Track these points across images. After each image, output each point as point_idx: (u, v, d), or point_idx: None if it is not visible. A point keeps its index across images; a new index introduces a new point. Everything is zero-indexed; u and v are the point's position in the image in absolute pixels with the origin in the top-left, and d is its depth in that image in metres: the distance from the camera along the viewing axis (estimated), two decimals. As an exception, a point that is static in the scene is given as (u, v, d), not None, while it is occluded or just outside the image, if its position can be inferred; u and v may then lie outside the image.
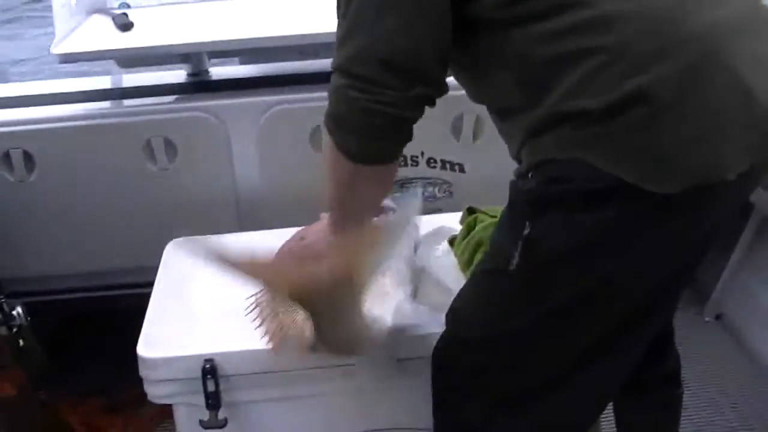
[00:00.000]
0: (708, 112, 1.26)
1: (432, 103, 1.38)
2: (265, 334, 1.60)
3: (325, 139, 1.42)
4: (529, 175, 1.37)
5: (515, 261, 1.38)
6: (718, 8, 1.30)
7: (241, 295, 1.77)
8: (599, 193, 1.29)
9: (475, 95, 1.50)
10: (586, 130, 1.28)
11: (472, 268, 1.77)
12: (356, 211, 1.55)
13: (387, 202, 1.83)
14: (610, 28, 1.26)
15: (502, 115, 1.45)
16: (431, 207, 1.92)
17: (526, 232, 1.36)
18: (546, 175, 1.34)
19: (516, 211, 1.42)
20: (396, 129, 1.37)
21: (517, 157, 1.43)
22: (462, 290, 1.59)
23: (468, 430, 1.56)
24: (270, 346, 1.58)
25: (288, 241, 1.76)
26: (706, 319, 2.93)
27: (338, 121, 1.37)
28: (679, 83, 1.25)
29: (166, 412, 1.80)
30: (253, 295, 1.68)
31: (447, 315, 1.57)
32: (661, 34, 1.26)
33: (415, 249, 1.87)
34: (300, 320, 1.55)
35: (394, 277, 1.67)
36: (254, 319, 1.64)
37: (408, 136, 1.40)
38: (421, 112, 1.37)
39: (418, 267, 1.77)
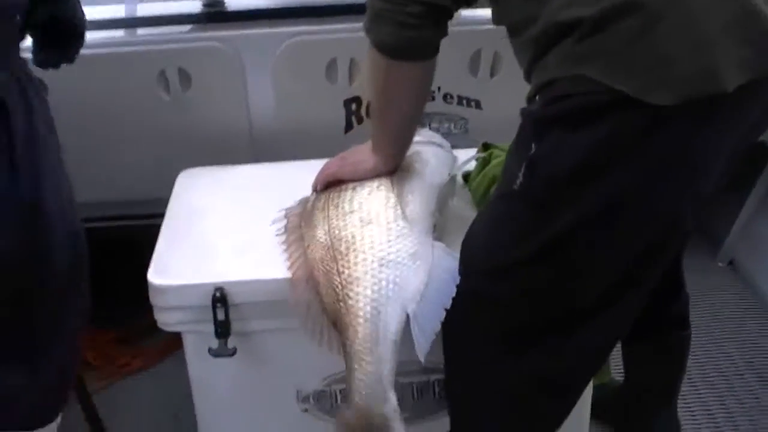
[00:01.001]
0: (701, 19, 1.26)
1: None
2: (288, 257, 1.61)
3: (369, 47, 1.49)
4: (536, 98, 1.38)
5: (519, 180, 1.39)
6: None
7: (253, 225, 1.79)
8: (598, 107, 1.29)
9: (494, 15, 1.51)
10: (583, 43, 1.28)
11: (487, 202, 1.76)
12: (394, 122, 1.61)
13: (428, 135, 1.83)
14: None
15: (512, 32, 1.47)
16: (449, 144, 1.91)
17: (531, 152, 1.37)
18: (549, 95, 1.35)
19: (523, 134, 1.42)
20: (431, 18, 1.44)
21: (527, 79, 1.45)
22: (474, 220, 1.58)
23: (476, 363, 1.56)
24: (289, 272, 1.58)
25: (329, 162, 1.76)
26: (719, 264, 2.93)
27: (374, 16, 1.45)
28: None
29: (175, 343, 1.80)
30: (286, 213, 1.69)
31: (462, 244, 1.56)
32: None
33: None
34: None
35: (418, 208, 1.66)
36: (279, 235, 1.65)
37: (443, 30, 1.47)
38: (454, 7, 1.46)
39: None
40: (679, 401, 2.17)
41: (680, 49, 1.25)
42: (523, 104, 1.45)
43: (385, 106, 1.59)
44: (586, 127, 1.31)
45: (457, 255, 1.57)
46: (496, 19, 1.51)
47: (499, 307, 1.49)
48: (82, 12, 1.72)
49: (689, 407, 2.32)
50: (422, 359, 1.50)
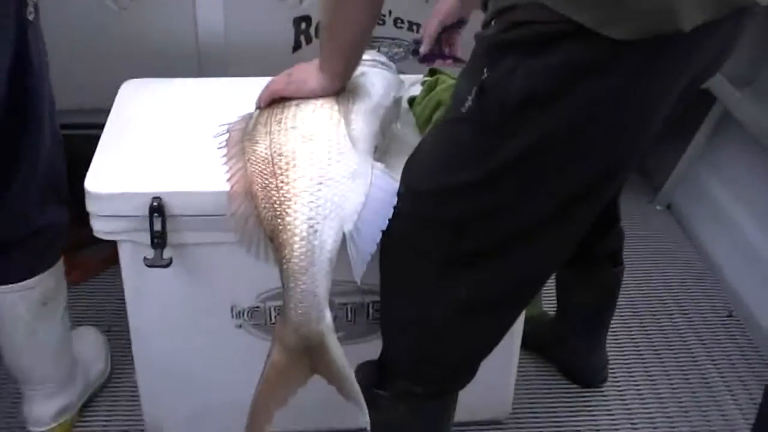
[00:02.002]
0: None
1: None
2: (227, 171, 1.60)
3: None
4: (492, 23, 1.36)
5: (468, 104, 1.38)
6: None
7: (194, 138, 1.77)
8: (554, 36, 1.28)
9: None
10: None
11: (430, 127, 1.76)
12: (344, 39, 1.58)
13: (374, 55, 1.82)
14: None
15: None
16: (396, 67, 1.90)
17: (483, 77, 1.36)
18: (507, 21, 1.33)
19: (476, 59, 1.41)
20: None
21: (483, 6, 1.42)
22: (420, 142, 1.58)
23: (415, 285, 1.57)
24: (228, 185, 1.57)
25: (275, 78, 1.74)
26: (657, 207, 2.98)
27: None
28: None
29: (113, 256, 1.79)
30: (228, 128, 1.67)
31: (404, 165, 1.56)
32: None
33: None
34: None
35: (361, 127, 1.65)
36: (220, 148, 1.64)
37: None
38: None
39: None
40: (609, 337, 2.22)
41: None
42: (473, 32, 1.44)
43: (336, 22, 1.57)
44: (540, 54, 1.30)
45: (397, 177, 1.56)
46: None
47: (441, 227, 1.48)
48: None
49: (619, 343, 2.37)
50: (358, 280, 1.51)
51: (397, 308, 1.62)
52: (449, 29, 1.88)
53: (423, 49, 1.89)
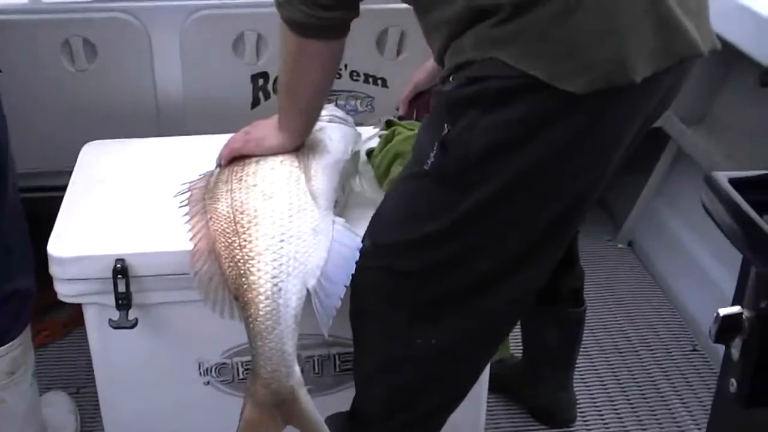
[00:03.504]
0: (615, 10, 1.30)
1: None
2: (190, 230, 1.61)
3: (279, 23, 1.49)
4: (450, 78, 1.40)
5: (430, 161, 1.42)
6: None
7: (156, 198, 1.78)
8: (512, 90, 1.32)
9: None
10: (501, 27, 1.31)
11: (388, 179, 1.78)
12: (303, 97, 1.61)
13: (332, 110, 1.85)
14: None
15: (423, 11, 1.47)
16: (354, 120, 1.93)
17: (444, 132, 1.39)
18: (464, 77, 1.37)
19: (436, 114, 1.45)
20: (342, 2, 1.45)
21: (439, 61, 1.46)
22: (385, 197, 1.61)
23: (388, 335, 1.59)
24: (191, 244, 1.59)
25: (234, 136, 1.76)
26: (619, 245, 3.01)
27: None
28: None
29: (79, 316, 1.79)
30: (189, 186, 1.69)
31: (370, 220, 1.59)
32: None
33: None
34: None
35: (321, 183, 1.67)
36: (182, 207, 1.65)
37: (354, 10, 1.49)
38: None
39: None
40: (576, 375, 2.24)
41: (594, 38, 1.30)
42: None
43: (294, 81, 1.59)
44: (499, 108, 1.34)
45: (358, 231, 1.59)
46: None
47: (408, 278, 1.52)
48: None
49: (585, 381, 2.39)
50: (325, 333, 1.53)
51: (368, 358, 1.64)
52: (426, 93, 1.93)
53: (400, 113, 1.94)
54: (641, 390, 2.38)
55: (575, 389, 2.25)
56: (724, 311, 0.96)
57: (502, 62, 1.31)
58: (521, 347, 2.21)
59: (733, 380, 0.99)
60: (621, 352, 2.52)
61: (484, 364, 1.68)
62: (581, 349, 2.19)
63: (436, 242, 1.47)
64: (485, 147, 1.37)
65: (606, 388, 2.38)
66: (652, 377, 2.42)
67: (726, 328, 0.96)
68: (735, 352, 0.97)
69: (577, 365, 2.21)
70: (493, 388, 2.03)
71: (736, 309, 0.95)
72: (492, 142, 1.36)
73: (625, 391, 2.37)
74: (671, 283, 2.76)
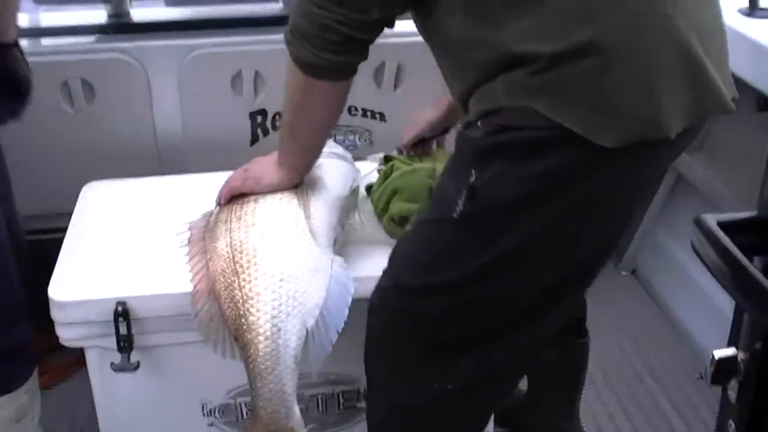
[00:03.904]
0: (654, 66, 1.30)
1: (391, 25, 1.45)
2: (190, 270, 1.60)
3: (287, 60, 1.48)
4: (478, 123, 1.39)
5: (459, 209, 1.40)
6: None
7: (156, 238, 1.78)
8: (545, 142, 1.32)
9: (424, 26, 1.50)
10: (536, 77, 1.30)
11: (388, 215, 1.78)
12: (305, 136, 1.61)
13: (331, 146, 1.85)
14: None
15: (451, 52, 1.46)
16: (352, 155, 1.93)
17: (471, 179, 1.38)
18: (494, 123, 1.36)
19: (462, 160, 1.43)
20: (350, 47, 1.44)
21: (461, 100, 1.45)
22: (406, 236, 1.60)
23: (402, 373, 1.58)
24: (191, 285, 1.58)
25: (233, 174, 1.76)
26: (622, 273, 3.01)
27: (296, 32, 1.44)
28: (628, 36, 1.28)
29: (81, 359, 1.78)
30: (189, 226, 1.69)
31: (389, 259, 1.58)
32: None
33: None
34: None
35: (320, 221, 1.67)
36: (182, 248, 1.64)
37: (363, 55, 1.48)
38: (377, 35, 1.45)
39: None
40: (581, 406, 2.22)
41: (629, 94, 1.29)
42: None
43: (298, 119, 1.59)
44: (532, 159, 1.33)
45: (357, 268, 1.60)
46: (425, 32, 1.51)
47: (426, 320, 1.51)
48: (28, 67, 1.75)
49: (592, 411, 2.37)
50: (315, 373, 1.54)
51: (382, 399, 1.63)
52: (430, 139, 1.93)
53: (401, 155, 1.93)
54: (648, 419, 2.36)
55: (581, 420, 2.24)
56: (719, 353, 0.95)
57: (537, 112, 1.30)
58: (526, 379, 2.20)
59: (731, 422, 0.98)
60: (627, 382, 2.50)
61: (498, 406, 1.67)
62: (587, 379, 2.17)
63: (456, 288, 1.46)
64: (516, 197, 1.36)
65: (613, 418, 2.37)
66: (660, 406, 2.40)
67: (722, 370, 0.95)
68: (732, 394, 0.96)
69: (583, 395, 2.20)
70: (498, 421, 2.02)
71: (731, 351, 0.94)
72: (523, 192, 1.36)
73: (632, 421, 2.36)
74: (676, 311, 2.75)
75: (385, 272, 1.57)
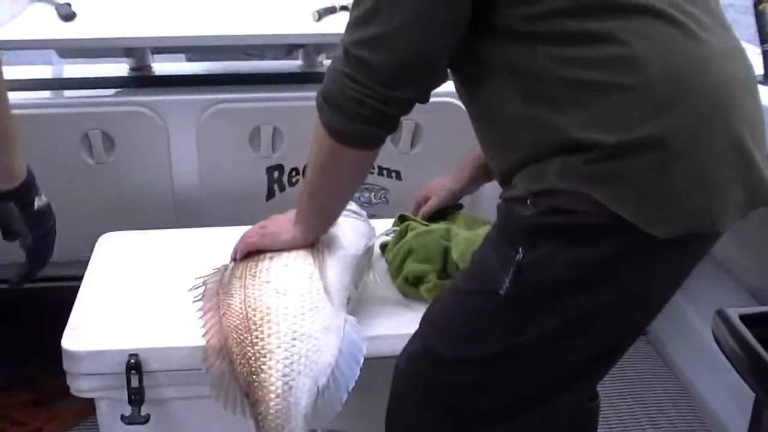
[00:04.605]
0: (712, 164, 1.31)
1: (423, 101, 1.44)
2: (203, 325, 1.61)
3: (316, 120, 1.47)
4: (528, 202, 1.38)
5: (506, 286, 1.39)
6: (731, 64, 1.37)
7: (171, 291, 1.79)
8: (598, 228, 1.32)
9: (469, 95, 1.50)
10: (596, 164, 1.30)
11: (402, 274, 1.79)
12: (327, 199, 1.62)
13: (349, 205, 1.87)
14: (639, 68, 1.29)
15: (499, 126, 1.45)
16: (367, 213, 1.94)
17: (519, 257, 1.37)
18: (546, 205, 1.36)
19: (508, 236, 1.43)
20: (383, 121, 1.43)
21: (504, 173, 1.45)
22: (440, 304, 1.59)
23: None
24: (203, 340, 1.58)
25: (249, 231, 1.76)
26: (635, 336, 2.99)
27: (328, 99, 1.44)
28: (692, 132, 1.30)
29: (90, 406, 1.79)
30: (204, 281, 1.70)
31: (420, 326, 1.57)
32: (682, 82, 1.31)
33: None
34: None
35: (335, 280, 1.67)
36: (196, 302, 1.66)
37: (393, 128, 1.47)
38: (408, 110, 1.44)
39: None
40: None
41: (691, 188, 1.30)
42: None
43: (322, 182, 1.58)
44: (584, 244, 1.34)
45: (370, 327, 1.60)
46: (469, 102, 1.50)
47: (458, 390, 1.51)
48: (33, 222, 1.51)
49: (602, 475, 2.35)
50: (320, 430, 1.54)
51: None
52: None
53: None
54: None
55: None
56: None
57: (592, 199, 1.31)
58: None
59: None
60: (636, 446, 2.49)
61: None
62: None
63: (491, 362, 1.46)
64: (564, 281, 1.36)
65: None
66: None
67: None
68: None
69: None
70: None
71: None
72: (572, 276, 1.36)
73: (642, 486, 2.34)
74: (688, 374, 2.73)
75: (415, 337, 1.57)
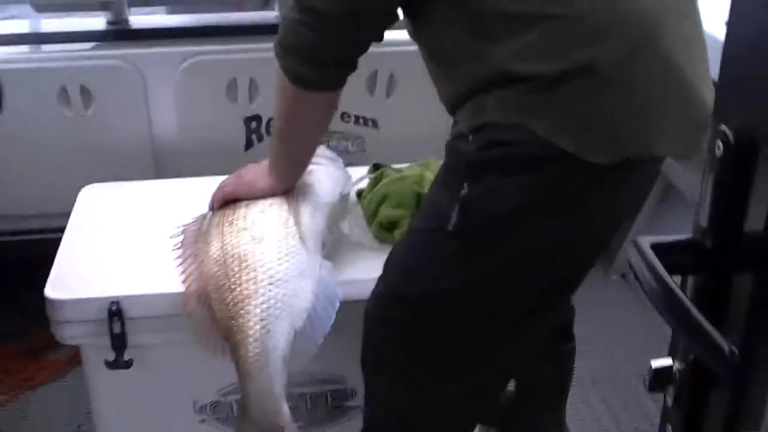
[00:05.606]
0: (645, 89, 1.34)
1: (378, 40, 1.46)
2: (182, 272, 1.65)
3: (277, 69, 1.49)
4: (470, 138, 1.41)
5: (453, 221, 1.42)
6: None
7: (151, 240, 1.82)
8: (537, 157, 1.35)
9: (418, 34, 1.52)
10: (531, 96, 1.33)
11: (377, 220, 1.83)
12: (296, 144, 1.64)
13: (322, 152, 1.89)
14: None
15: (444, 60, 1.48)
16: (344, 161, 1.97)
17: (463, 192, 1.40)
18: (486, 138, 1.38)
19: (454, 172, 1.46)
20: (338, 62, 1.46)
21: (451, 111, 1.48)
22: (400, 244, 1.63)
23: (397, 385, 1.61)
24: (183, 286, 1.62)
25: (226, 180, 1.79)
26: (613, 277, 3.04)
27: (285, 47, 1.46)
28: (623, 59, 1.32)
29: (78, 356, 1.83)
30: (183, 229, 1.73)
31: (384, 267, 1.60)
32: (614, 10, 1.33)
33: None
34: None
35: (310, 226, 1.70)
36: (175, 250, 1.69)
37: (352, 67, 1.48)
38: (365, 49, 1.46)
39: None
40: (568, 409, 2.25)
41: (623, 114, 1.33)
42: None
43: (288, 129, 1.61)
44: (524, 173, 1.37)
45: (346, 273, 1.64)
46: (419, 37, 1.52)
47: (423, 331, 1.54)
48: None
49: (579, 414, 2.40)
50: (297, 370, 1.58)
51: (379, 402, 1.66)
52: None
53: None
54: (635, 422, 2.38)
55: (568, 424, 2.26)
56: (656, 364, 1.00)
57: (529, 130, 1.33)
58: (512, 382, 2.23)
59: (669, 426, 1.02)
60: (614, 385, 2.52)
61: (491, 406, 1.72)
62: (575, 382, 2.20)
63: (451, 298, 1.49)
64: (508, 212, 1.40)
65: (600, 422, 2.39)
66: (647, 410, 2.43)
67: (658, 378, 0.99)
68: (669, 400, 1.00)
69: (570, 399, 2.22)
70: (484, 420, 2.05)
71: (668, 362, 0.98)
72: (516, 206, 1.39)
73: (620, 425, 2.38)
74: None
75: (379, 279, 1.60)
